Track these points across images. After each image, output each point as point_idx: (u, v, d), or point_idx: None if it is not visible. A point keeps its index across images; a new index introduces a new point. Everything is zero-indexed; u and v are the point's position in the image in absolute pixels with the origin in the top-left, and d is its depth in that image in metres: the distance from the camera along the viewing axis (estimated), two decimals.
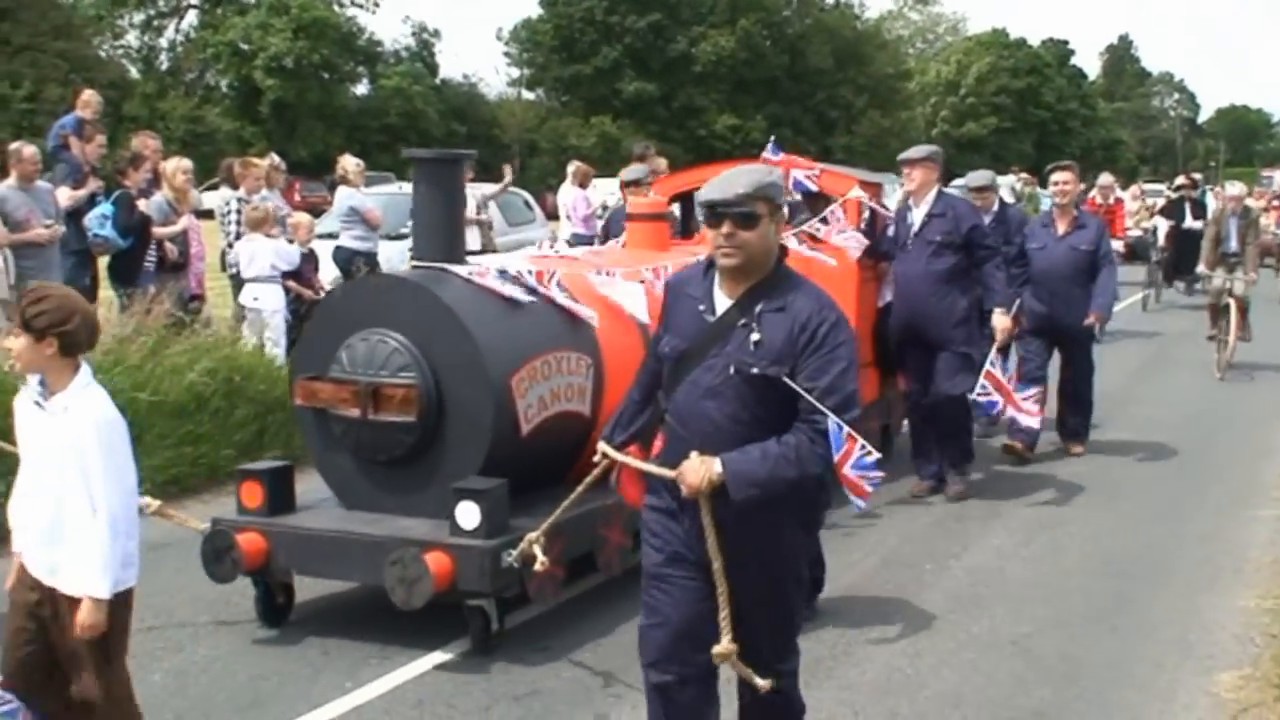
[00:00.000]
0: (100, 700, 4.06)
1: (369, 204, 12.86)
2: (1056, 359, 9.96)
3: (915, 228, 8.25)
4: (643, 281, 6.85)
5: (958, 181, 11.75)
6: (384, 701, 5.19)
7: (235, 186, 11.77)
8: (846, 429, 3.71)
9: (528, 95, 70.65)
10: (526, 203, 19.57)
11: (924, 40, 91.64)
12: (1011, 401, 7.99)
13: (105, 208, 10.32)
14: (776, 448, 3.73)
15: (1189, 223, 19.76)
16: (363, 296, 6.23)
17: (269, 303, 10.70)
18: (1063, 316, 9.55)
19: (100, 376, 8.36)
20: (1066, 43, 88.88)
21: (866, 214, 8.60)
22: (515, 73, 70.85)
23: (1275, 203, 26.96)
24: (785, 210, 8.32)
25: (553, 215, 19.83)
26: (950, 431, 8.39)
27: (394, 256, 13.84)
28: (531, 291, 6.26)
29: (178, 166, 11.11)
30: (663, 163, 12.88)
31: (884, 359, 8.78)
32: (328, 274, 12.16)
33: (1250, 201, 16.29)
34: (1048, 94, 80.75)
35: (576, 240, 13.78)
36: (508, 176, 15.37)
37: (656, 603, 3.98)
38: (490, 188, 15.56)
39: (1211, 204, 19.47)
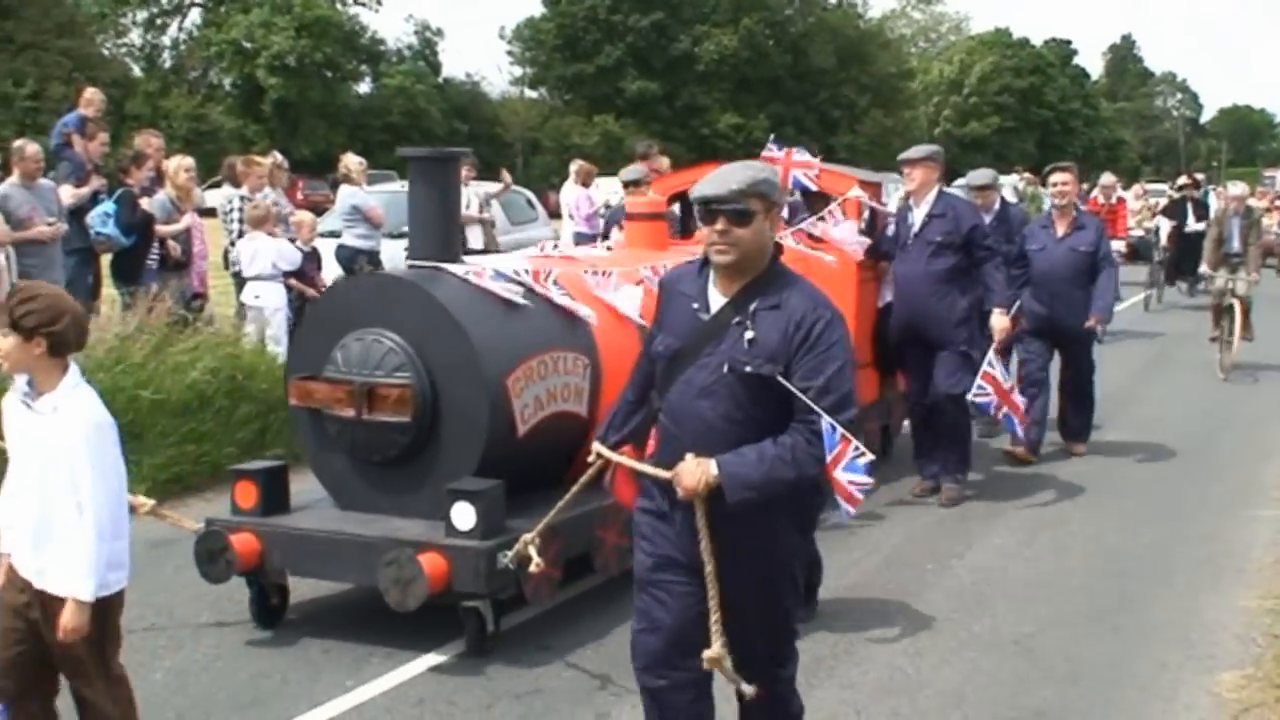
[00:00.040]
0: (98, 700, 4.04)
1: (371, 202, 12.86)
2: (1057, 360, 9.94)
3: (916, 228, 8.22)
4: (640, 281, 6.83)
5: (960, 181, 11.72)
6: (385, 700, 5.20)
7: (237, 185, 11.77)
8: (840, 430, 3.67)
9: (530, 94, 70.65)
10: (529, 201, 19.58)
11: (927, 39, 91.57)
12: (1008, 402, 7.96)
13: (108, 206, 10.34)
14: (773, 449, 3.69)
15: (1191, 223, 19.74)
16: (357, 296, 6.19)
17: (270, 301, 10.71)
18: (1063, 318, 9.53)
19: (103, 374, 8.48)
20: (1069, 42, 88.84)
21: (866, 213, 8.60)
22: (518, 71, 70.90)
23: (1278, 203, 26.97)
24: (785, 208, 8.28)
25: (555, 214, 19.83)
26: (948, 436, 8.32)
27: (397, 255, 13.79)
28: (529, 291, 6.22)
29: (180, 165, 11.13)
30: (665, 161, 12.87)
31: (884, 359, 8.75)
32: (331, 273, 12.15)
33: (1253, 201, 16.28)
34: (1050, 94, 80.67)
35: (580, 239, 13.78)
36: (506, 179, 15.37)
37: (648, 608, 3.95)
38: (492, 186, 15.57)
39: (1214, 204, 19.46)
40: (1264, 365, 13.97)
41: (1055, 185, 9.79)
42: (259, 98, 56.18)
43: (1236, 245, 14.20)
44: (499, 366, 5.84)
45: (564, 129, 63.16)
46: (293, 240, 11.29)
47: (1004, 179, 20.46)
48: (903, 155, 8.50)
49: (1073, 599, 6.56)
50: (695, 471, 3.69)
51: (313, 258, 11.52)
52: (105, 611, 3.96)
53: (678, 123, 64.90)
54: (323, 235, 12.46)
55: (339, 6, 60.89)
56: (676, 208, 9.27)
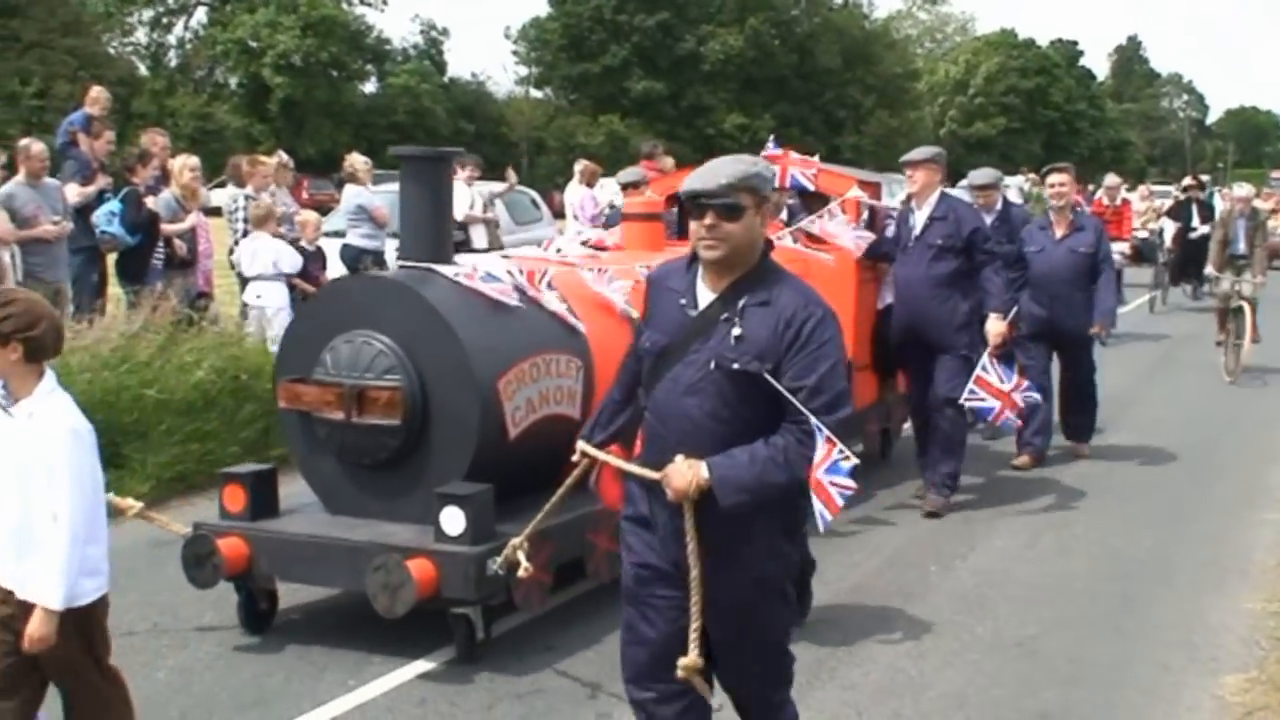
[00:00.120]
0: (94, 706, 4.02)
1: (377, 202, 12.87)
2: (1056, 362, 9.90)
3: (917, 230, 8.15)
4: (637, 281, 6.79)
5: (965, 181, 11.69)
6: (387, 700, 5.20)
7: (242, 185, 11.78)
8: (826, 431, 3.57)
9: (536, 94, 70.72)
10: (534, 201, 19.58)
11: (932, 40, 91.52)
12: (1009, 403, 7.85)
13: (113, 205, 10.36)
14: (764, 450, 3.60)
15: (1196, 224, 19.67)
16: (348, 297, 6.08)
17: (272, 301, 10.70)
18: (1063, 320, 9.48)
19: (108, 373, 8.48)
20: (1075, 43, 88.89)
21: (865, 213, 8.57)
22: (523, 71, 70.99)
23: None
24: (784, 205, 8.23)
25: (560, 214, 19.83)
26: (942, 444, 8.17)
27: None
28: (521, 295, 6.13)
29: (185, 164, 11.13)
30: (670, 161, 12.87)
31: (884, 361, 8.70)
32: (335, 272, 12.16)
33: (1258, 203, 16.23)
34: (1056, 94, 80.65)
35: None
36: (511, 178, 15.35)
37: (633, 621, 3.91)
38: (497, 186, 15.57)
39: (1219, 206, 19.41)
40: (1269, 368, 13.94)
41: (1053, 186, 9.74)
42: (265, 97, 56.27)
43: (1242, 247, 14.17)
44: (490, 369, 5.77)
45: (569, 129, 63.20)
46: (297, 240, 11.30)
47: (1009, 180, 20.43)
48: (904, 157, 8.44)
49: (1076, 601, 6.55)
50: (686, 473, 3.60)
51: (317, 257, 11.53)
52: (89, 620, 3.91)
53: (683, 123, 64.94)
54: (327, 235, 12.46)
55: (345, 6, 61.00)
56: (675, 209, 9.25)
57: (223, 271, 12.68)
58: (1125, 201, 19.12)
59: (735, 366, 3.64)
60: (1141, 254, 20.41)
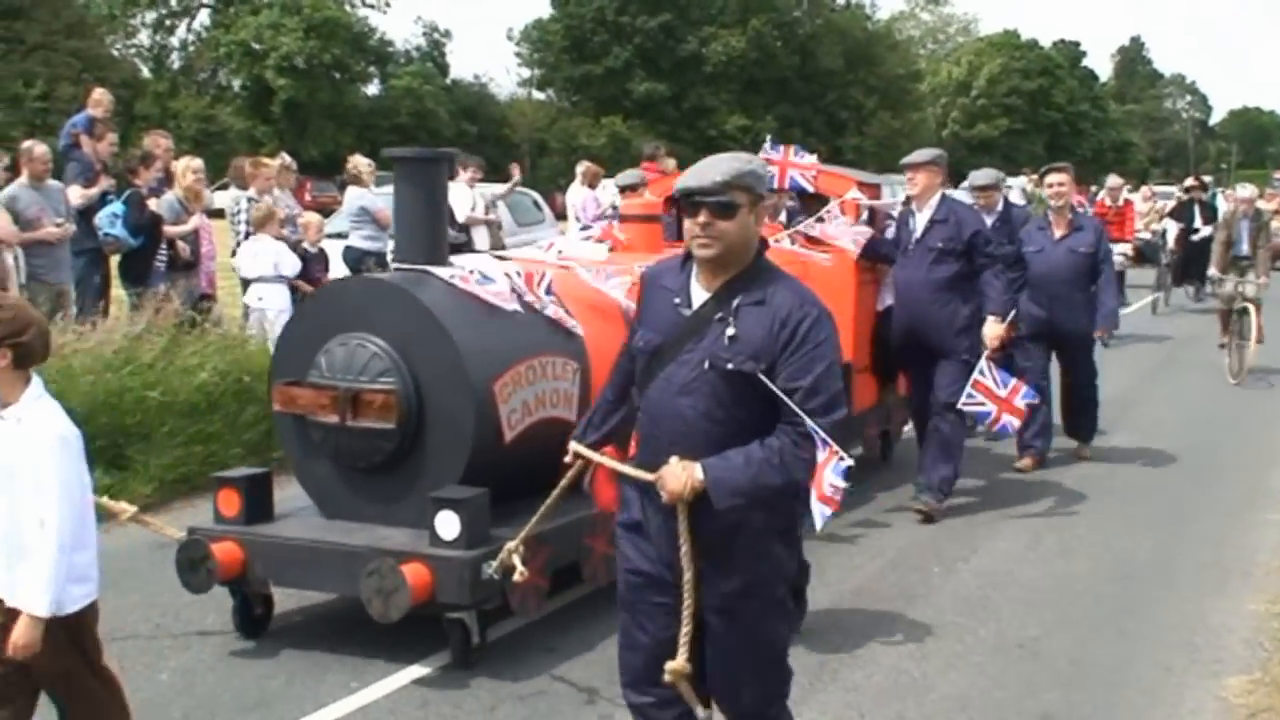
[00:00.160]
0: (88, 712, 4.00)
1: (379, 204, 12.86)
2: (1056, 363, 9.86)
3: (917, 233, 8.10)
4: (635, 280, 6.77)
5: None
6: (389, 701, 5.20)
7: (244, 187, 11.79)
8: (823, 434, 3.54)
9: (538, 95, 70.75)
10: (535, 203, 19.58)
11: (935, 41, 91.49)
12: (1008, 409, 7.79)
13: (116, 207, 10.37)
14: (759, 452, 3.56)
15: (1198, 225, 19.64)
16: (342, 300, 6.03)
17: (274, 303, 10.69)
18: (1063, 321, 9.43)
19: (111, 375, 8.49)
20: (1078, 44, 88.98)
21: (865, 214, 8.53)
22: (526, 73, 71.02)
23: None
24: (783, 207, 8.20)
25: (562, 216, 19.84)
26: (940, 449, 8.10)
27: None
28: (518, 298, 6.08)
29: (188, 166, 11.15)
30: (672, 163, 12.87)
31: (884, 363, 8.66)
32: (338, 274, 12.17)
33: (1262, 204, 16.22)
34: (1059, 95, 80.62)
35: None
36: (516, 176, 15.34)
37: (629, 627, 3.90)
38: (499, 188, 15.57)
39: (1222, 207, 19.40)
40: (1273, 370, 13.93)
41: (1051, 186, 9.70)
42: (268, 99, 56.30)
43: (1245, 248, 14.16)
44: (485, 371, 5.73)
45: (571, 130, 63.22)
46: (299, 242, 11.30)
47: (1012, 181, 20.43)
48: (905, 159, 8.38)
49: (1078, 602, 6.55)
50: (680, 475, 3.56)
51: (320, 259, 11.53)
52: (79, 628, 3.89)
53: (685, 124, 64.96)
54: (330, 236, 12.46)
55: (347, 8, 61.04)
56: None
57: (225, 273, 12.69)
58: (1128, 202, 19.08)
59: (729, 366, 3.61)
60: (1144, 255, 20.39)
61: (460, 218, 13.19)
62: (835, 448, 3.57)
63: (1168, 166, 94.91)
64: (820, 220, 8.11)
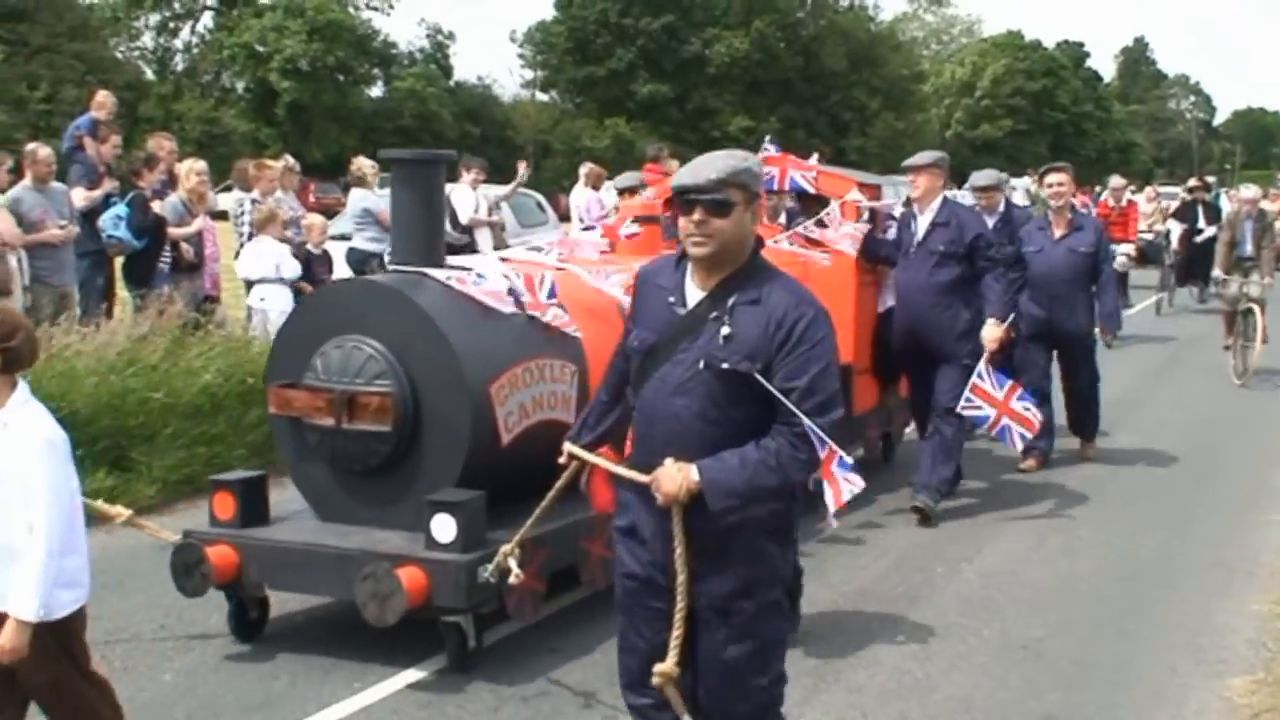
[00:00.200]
0: (79, 716, 3.97)
1: (382, 205, 12.84)
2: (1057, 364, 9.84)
3: (919, 236, 8.06)
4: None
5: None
6: (392, 702, 5.20)
7: (248, 189, 11.81)
8: (820, 433, 3.51)
9: (541, 97, 70.78)
10: (539, 204, 19.57)
11: (938, 42, 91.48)
12: (1006, 412, 7.74)
13: (119, 209, 10.39)
14: (755, 453, 3.53)
15: (1202, 226, 19.60)
16: (338, 302, 6.01)
17: (276, 304, 10.69)
18: (1063, 321, 9.40)
19: (115, 376, 8.50)
20: (1082, 45, 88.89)
21: (865, 215, 8.50)
22: (529, 74, 71.03)
23: None
24: (783, 208, 8.15)
25: (565, 217, 19.84)
26: (943, 450, 8.05)
27: None
28: (516, 300, 6.03)
29: (192, 168, 11.17)
30: (675, 164, 12.85)
31: (885, 364, 8.62)
32: (341, 275, 12.17)
33: (1265, 204, 16.20)
34: (1063, 96, 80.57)
35: None
36: (521, 173, 15.30)
37: (625, 630, 3.89)
38: (502, 189, 15.56)
39: (1226, 207, 19.38)
40: (1278, 370, 13.89)
41: (1051, 186, 9.66)
42: (272, 101, 56.36)
43: (1249, 249, 14.13)
44: (482, 374, 5.68)
45: (575, 132, 63.25)
46: (303, 243, 11.31)
47: (1015, 181, 20.42)
48: (906, 162, 8.35)
49: (1082, 603, 6.54)
50: (676, 477, 3.53)
51: (323, 260, 11.54)
52: (68, 633, 3.86)
53: (689, 125, 64.98)
54: (334, 238, 12.48)
55: (351, 10, 61.11)
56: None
57: (229, 275, 12.69)
58: (1131, 203, 19.06)
59: (725, 366, 3.57)
60: (1147, 256, 20.36)
61: (463, 219, 13.20)
62: (833, 446, 3.55)
63: (1172, 167, 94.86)
64: (821, 224, 8.07)
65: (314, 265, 11.19)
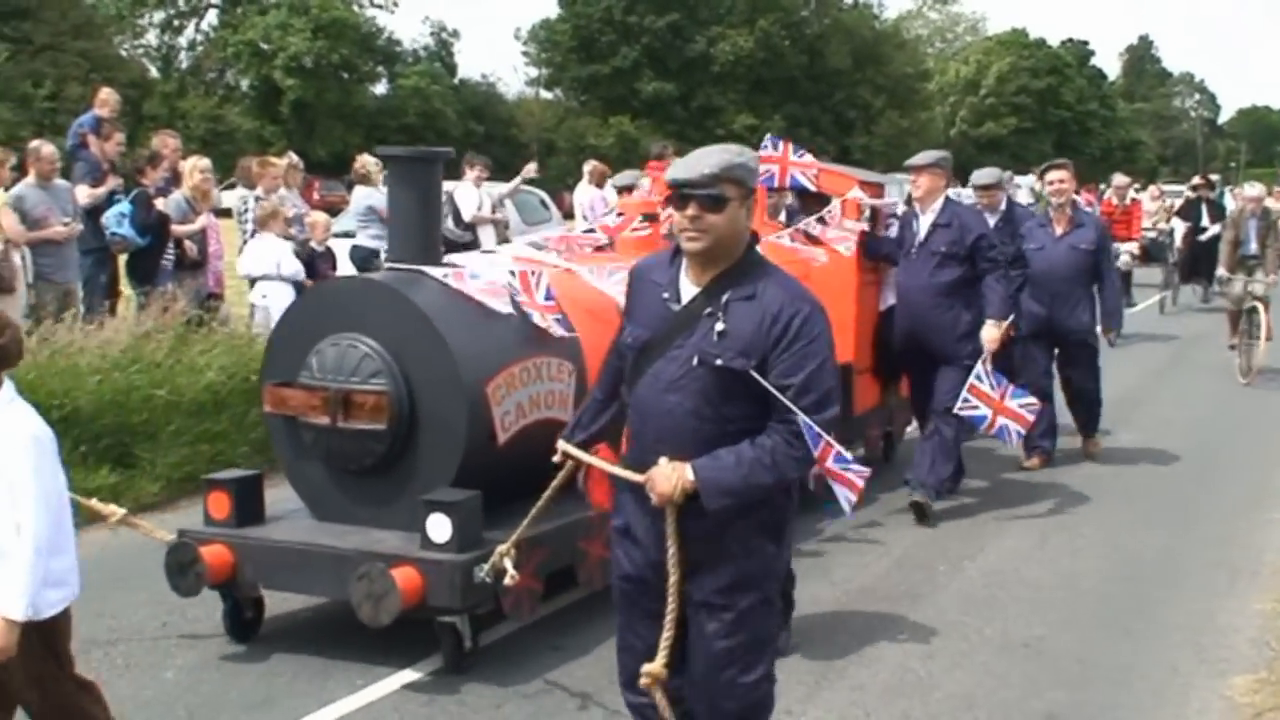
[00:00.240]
0: (66, 716, 3.95)
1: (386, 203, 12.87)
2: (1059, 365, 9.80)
3: (920, 237, 8.02)
4: None
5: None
6: (395, 699, 5.20)
7: (252, 186, 11.82)
8: (817, 429, 3.49)
9: (546, 95, 70.75)
10: (543, 202, 19.58)
11: (943, 40, 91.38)
12: (1002, 411, 7.68)
13: (123, 206, 10.40)
14: (750, 451, 3.51)
15: (1205, 224, 19.56)
16: (334, 300, 5.96)
17: (278, 301, 10.69)
18: (1064, 319, 9.36)
19: (118, 374, 8.51)
20: (1086, 43, 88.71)
21: (866, 214, 8.47)
22: (533, 72, 71.00)
23: None
24: (783, 207, 8.08)
25: (570, 215, 19.84)
26: (942, 450, 8.01)
27: None
28: (512, 300, 5.97)
29: (195, 165, 11.18)
30: None
31: (886, 364, 8.58)
32: (345, 273, 12.19)
33: (1270, 203, 16.16)
34: (1068, 94, 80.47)
35: None
36: (528, 171, 15.27)
37: (623, 629, 3.89)
38: (504, 187, 15.56)
39: (1230, 205, 19.35)
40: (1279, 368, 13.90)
41: (1052, 183, 9.63)
42: (276, 99, 56.37)
43: (1254, 247, 14.08)
44: (478, 373, 5.65)
45: (579, 130, 63.21)
46: (307, 241, 11.32)
47: (1020, 180, 20.40)
48: (908, 161, 8.30)
49: (1085, 602, 6.54)
50: (670, 477, 3.52)
51: (327, 258, 11.55)
52: (54, 633, 3.83)
53: (693, 124, 64.91)
54: (337, 236, 12.49)
55: (355, 8, 61.09)
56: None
57: (233, 273, 12.70)
58: (1135, 201, 19.03)
59: (718, 363, 3.55)
60: (1150, 254, 20.32)
61: (466, 217, 13.22)
62: (829, 441, 3.53)
63: (1176, 165, 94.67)
64: (822, 222, 8.03)
65: (318, 263, 11.20)
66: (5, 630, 3.68)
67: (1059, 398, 9.77)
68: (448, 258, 6.49)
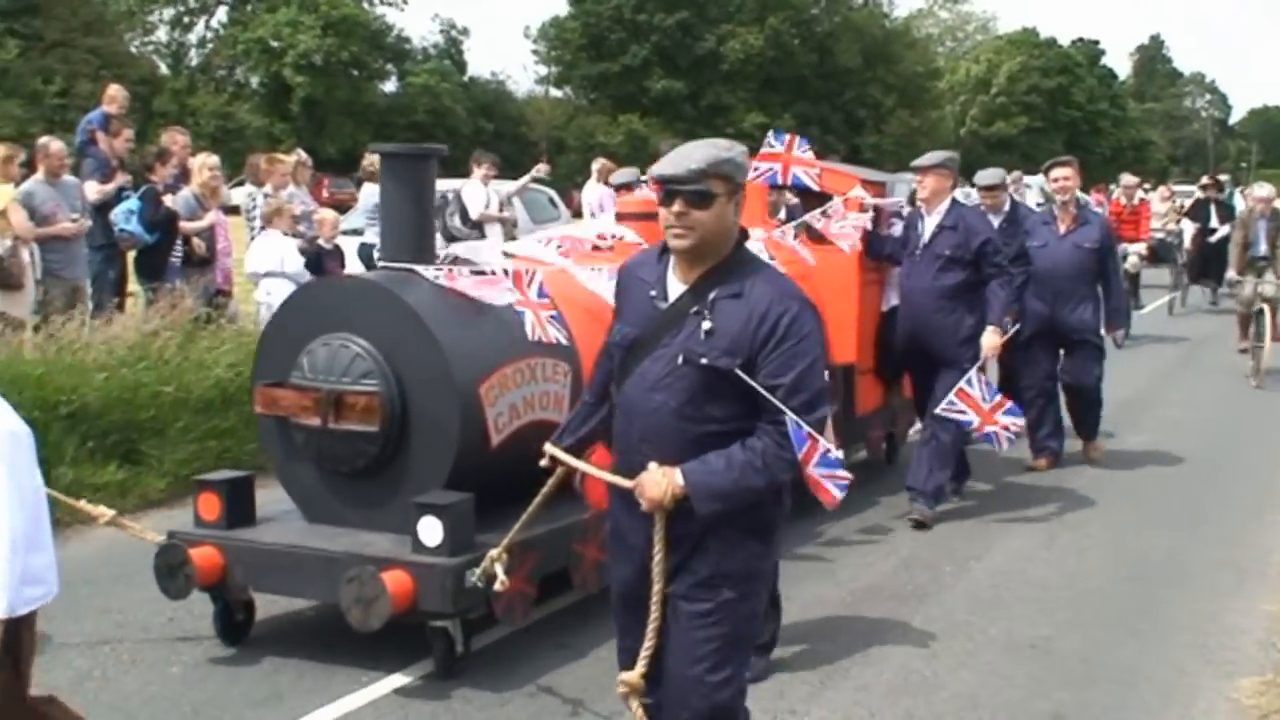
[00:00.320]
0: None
1: None
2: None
3: (925, 238, 7.95)
4: None
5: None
6: (400, 696, 5.21)
7: (259, 183, 11.83)
8: (806, 428, 3.43)
9: (555, 93, 70.77)
10: (551, 200, 19.58)
11: (953, 39, 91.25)
12: (988, 419, 7.53)
13: (132, 203, 10.43)
14: (741, 454, 3.45)
15: (1214, 225, 19.49)
16: (326, 299, 5.87)
17: (282, 298, 10.68)
18: (1066, 317, 9.31)
19: (126, 370, 8.52)
20: (1097, 42, 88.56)
21: (870, 212, 8.41)
22: (543, 70, 71.02)
23: None
24: (783, 205, 7.98)
25: (578, 213, 19.84)
26: (940, 456, 7.94)
27: None
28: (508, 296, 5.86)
29: (204, 162, 11.19)
30: None
31: (888, 364, 8.52)
32: (354, 270, 12.19)
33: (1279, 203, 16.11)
34: (1078, 94, 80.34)
35: None
36: (538, 171, 15.25)
37: (620, 633, 3.87)
38: (512, 184, 15.55)
39: (1240, 205, 19.28)
40: None
41: (1057, 180, 9.58)
42: (286, 96, 56.49)
43: (1263, 248, 14.04)
44: (472, 373, 5.58)
45: (589, 128, 63.25)
46: (315, 238, 11.33)
47: (1029, 179, 20.31)
48: (914, 162, 8.23)
49: (1091, 602, 6.53)
50: (661, 482, 3.46)
51: (335, 255, 11.55)
52: (17, 631, 3.67)
53: (703, 122, 64.87)
54: (345, 233, 12.49)
55: (365, 5, 61.21)
56: None
57: (241, 270, 12.72)
58: (1143, 201, 18.96)
59: (704, 362, 3.49)
60: (1158, 255, 20.27)
61: (474, 215, 13.21)
62: (818, 438, 3.45)
63: (1187, 165, 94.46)
64: (825, 215, 7.91)
65: (325, 260, 11.19)
66: None
67: (1063, 399, 9.75)
68: (453, 247, 6.45)
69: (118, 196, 10.77)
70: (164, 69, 59.52)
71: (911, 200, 8.37)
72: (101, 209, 10.66)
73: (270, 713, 5.08)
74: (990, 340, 7.78)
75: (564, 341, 5.88)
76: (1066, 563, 7.20)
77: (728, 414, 3.52)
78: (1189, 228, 20.45)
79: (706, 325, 3.51)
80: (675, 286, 3.62)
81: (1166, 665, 5.67)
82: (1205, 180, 23.28)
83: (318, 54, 55.71)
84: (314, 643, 5.77)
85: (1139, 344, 15.87)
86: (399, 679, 5.36)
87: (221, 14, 62.31)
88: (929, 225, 8.00)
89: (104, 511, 5.85)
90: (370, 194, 12.93)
